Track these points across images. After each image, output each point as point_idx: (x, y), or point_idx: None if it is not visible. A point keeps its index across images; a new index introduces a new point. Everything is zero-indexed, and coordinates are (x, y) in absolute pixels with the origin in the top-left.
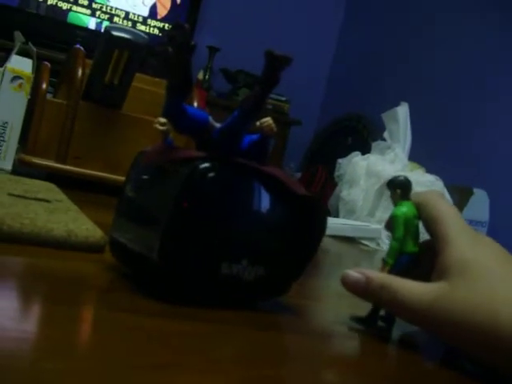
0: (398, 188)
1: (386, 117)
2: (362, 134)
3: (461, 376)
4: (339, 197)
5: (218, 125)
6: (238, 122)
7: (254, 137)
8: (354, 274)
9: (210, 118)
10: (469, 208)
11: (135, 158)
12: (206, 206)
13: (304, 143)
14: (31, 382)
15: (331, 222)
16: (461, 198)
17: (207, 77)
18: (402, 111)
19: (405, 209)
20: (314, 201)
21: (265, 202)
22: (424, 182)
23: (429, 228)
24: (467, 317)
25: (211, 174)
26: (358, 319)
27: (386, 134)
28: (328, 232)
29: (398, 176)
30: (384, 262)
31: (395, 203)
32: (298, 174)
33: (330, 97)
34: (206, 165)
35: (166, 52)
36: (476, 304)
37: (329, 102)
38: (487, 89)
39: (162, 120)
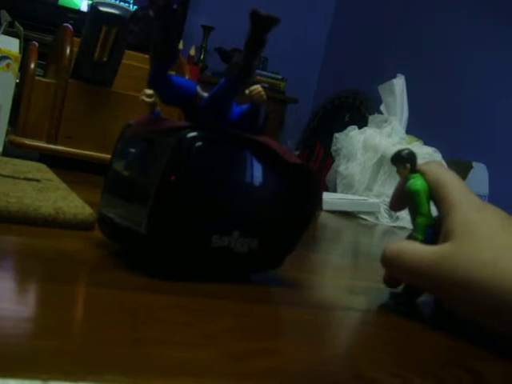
0: (408, 162)
1: (382, 89)
2: (360, 110)
3: (465, 344)
4: (337, 171)
5: (206, 94)
6: (226, 90)
7: (245, 107)
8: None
9: (198, 87)
10: (468, 182)
11: (122, 130)
12: (195, 178)
13: (301, 121)
14: (25, 361)
15: (329, 196)
16: (460, 172)
17: (202, 56)
18: (399, 83)
19: (419, 181)
20: (307, 169)
21: (256, 171)
22: (422, 155)
23: (432, 194)
24: (471, 275)
25: (199, 144)
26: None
27: (382, 107)
28: (326, 207)
29: (402, 150)
30: (415, 239)
31: (405, 178)
32: (297, 152)
33: (327, 73)
34: (194, 134)
35: (148, 16)
36: (482, 262)
37: (325, 79)
38: (486, 61)
39: (149, 91)
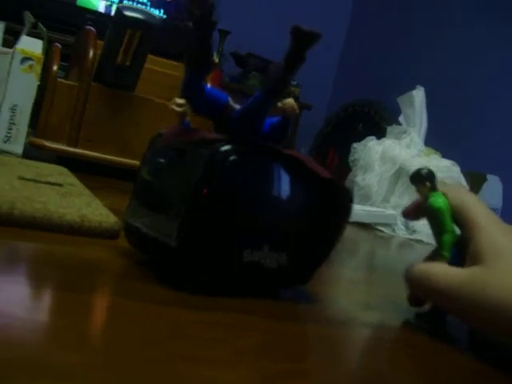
0: (428, 181)
1: (401, 101)
2: (374, 120)
3: (487, 365)
4: (354, 182)
5: (237, 106)
6: (261, 103)
7: (274, 119)
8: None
9: (230, 99)
10: (482, 194)
11: (151, 139)
12: (227, 191)
13: (314, 128)
14: (41, 376)
15: None
16: (474, 183)
17: (217, 60)
18: (418, 95)
19: (441, 199)
20: (339, 185)
21: (287, 185)
22: (441, 168)
23: (455, 217)
24: (503, 299)
25: (233, 157)
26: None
27: (401, 118)
28: None
29: (421, 169)
30: (441, 256)
31: (425, 196)
32: None
33: (341, 81)
34: (228, 147)
35: (186, 27)
36: None
37: (340, 87)
38: (502, 73)
39: (180, 101)
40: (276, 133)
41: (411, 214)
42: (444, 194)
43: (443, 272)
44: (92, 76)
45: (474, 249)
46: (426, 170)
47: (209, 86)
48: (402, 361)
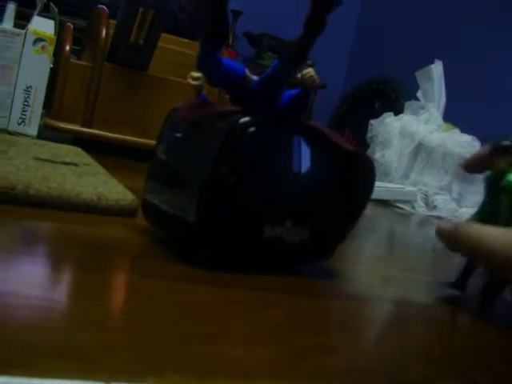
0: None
1: (419, 75)
2: (390, 97)
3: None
4: (372, 159)
5: (255, 77)
6: (280, 71)
7: (293, 91)
8: (445, 225)
9: (247, 70)
10: None
11: (167, 114)
12: (247, 165)
13: (330, 107)
14: (61, 355)
15: None
16: None
17: (230, 41)
18: (437, 69)
19: None
20: (363, 157)
21: (310, 159)
22: (461, 143)
23: None
24: None
25: (252, 129)
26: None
27: (419, 94)
28: None
29: (504, 140)
30: None
31: (503, 170)
32: None
33: (356, 59)
34: (247, 119)
35: None
36: None
37: (355, 65)
38: None
39: (196, 74)
40: (296, 105)
41: (472, 166)
42: None
43: (495, 232)
44: (105, 56)
45: None
46: (508, 142)
47: (226, 58)
48: (425, 336)
